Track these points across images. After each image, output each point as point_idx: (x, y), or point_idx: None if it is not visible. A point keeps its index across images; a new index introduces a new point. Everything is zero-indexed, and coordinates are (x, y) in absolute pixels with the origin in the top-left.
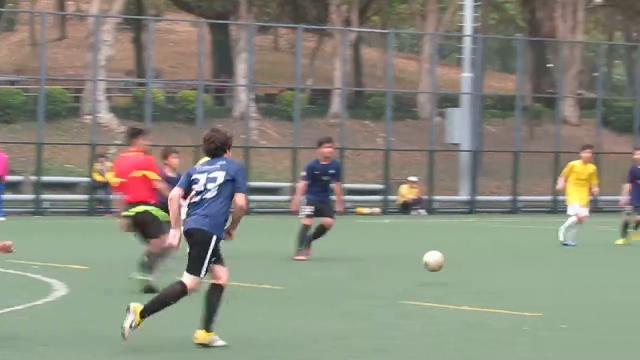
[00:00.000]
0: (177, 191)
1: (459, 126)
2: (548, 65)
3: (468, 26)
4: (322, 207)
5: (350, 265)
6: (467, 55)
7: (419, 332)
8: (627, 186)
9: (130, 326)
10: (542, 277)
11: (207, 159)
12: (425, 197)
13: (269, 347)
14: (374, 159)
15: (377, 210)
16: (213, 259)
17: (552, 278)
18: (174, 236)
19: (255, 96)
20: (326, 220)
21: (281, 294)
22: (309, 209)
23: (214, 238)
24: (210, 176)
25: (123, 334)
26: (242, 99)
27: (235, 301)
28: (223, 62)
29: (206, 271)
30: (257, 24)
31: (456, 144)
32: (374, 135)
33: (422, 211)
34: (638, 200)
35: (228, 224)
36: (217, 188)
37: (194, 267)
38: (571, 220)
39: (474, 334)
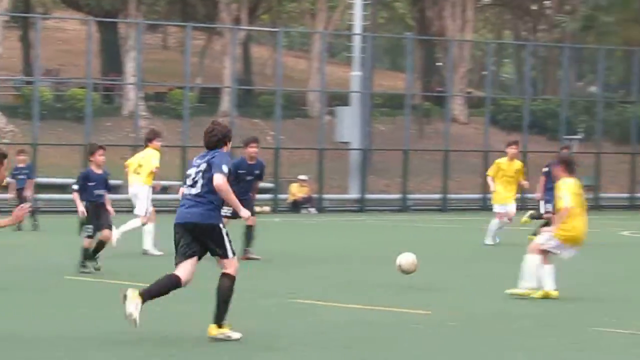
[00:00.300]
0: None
1: (348, 125)
2: (437, 64)
3: (357, 25)
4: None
5: (240, 263)
6: (356, 53)
7: (308, 329)
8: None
9: (136, 308)
10: (432, 275)
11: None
12: (315, 195)
13: (162, 345)
14: (263, 158)
15: (267, 208)
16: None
17: (442, 276)
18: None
19: (144, 95)
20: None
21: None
22: (227, 210)
23: (218, 226)
24: (200, 169)
25: (135, 321)
26: (131, 98)
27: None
28: (112, 60)
29: (234, 251)
30: (146, 22)
31: (346, 143)
32: (264, 133)
33: (312, 210)
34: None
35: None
36: (201, 178)
37: (224, 253)
38: (499, 221)
39: (362, 331)
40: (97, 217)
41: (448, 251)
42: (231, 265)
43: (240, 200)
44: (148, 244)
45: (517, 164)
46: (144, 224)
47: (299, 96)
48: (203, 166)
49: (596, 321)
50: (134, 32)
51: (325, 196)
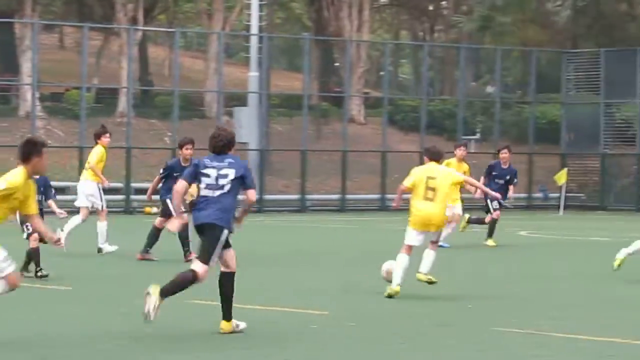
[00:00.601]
0: (182, 184)
1: (246, 125)
2: (335, 64)
3: (254, 25)
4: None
5: (138, 264)
6: (253, 54)
7: (206, 331)
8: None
9: (154, 307)
10: (329, 276)
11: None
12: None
13: (51, 346)
14: (160, 159)
15: (155, 209)
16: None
17: (339, 277)
18: (173, 223)
19: (40, 95)
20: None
21: (68, 293)
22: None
23: (225, 232)
24: (221, 173)
25: (148, 315)
26: (28, 98)
27: (22, 300)
28: (8, 60)
29: (215, 261)
30: (42, 22)
31: (244, 143)
32: (161, 134)
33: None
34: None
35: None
36: (229, 184)
37: (204, 257)
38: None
39: (261, 332)
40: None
41: (345, 251)
42: (230, 261)
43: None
44: (67, 229)
45: (465, 166)
46: (82, 220)
47: (197, 97)
48: (229, 172)
49: (496, 321)
50: (29, 32)
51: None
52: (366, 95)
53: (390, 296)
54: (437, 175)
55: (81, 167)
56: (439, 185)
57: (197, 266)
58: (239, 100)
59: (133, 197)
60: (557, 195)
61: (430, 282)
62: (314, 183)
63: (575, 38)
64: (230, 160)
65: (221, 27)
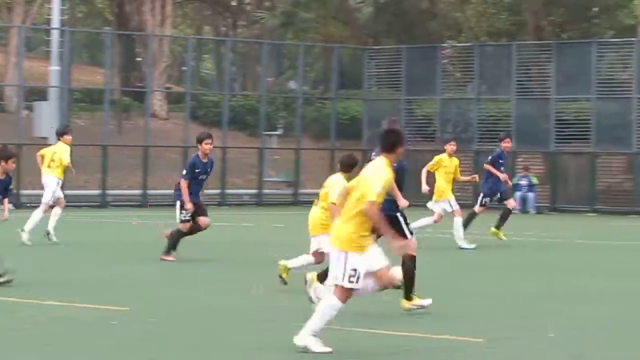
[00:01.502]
0: None
1: (47, 120)
2: (137, 59)
3: (55, 19)
4: (202, 207)
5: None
6: (54, 48)
7: (4, 327)
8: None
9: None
10: (130, 271)
11: None
12: (14, 191)
13: None
14: None
15: None
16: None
17: (141, 271)
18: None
19: None
20: (205, 220)
21: None
22: (185, 213)
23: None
24: None
25: (312, 300)
26: None
27: None
28: None
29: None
30: None
31: (45, 138)
32: None
33: (10, 205)
34: (495, 187)
35: None
36: None
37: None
38: (432, 219)
39: (61, 328)
40: None
41: (151, 247)
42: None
43: (196, 202)
44: (51, 225)
45: (456, 160)
46: (45, 211)
47: None
48: None
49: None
50: None
51: (24, 192)
52: (168, 90)
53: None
54: (326, 184)
55: None
56: (322, 194)
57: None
58: (39, 94)
59: None
60: None
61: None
62: (115, 178)
63: (377, 35)
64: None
65: (22, 20)
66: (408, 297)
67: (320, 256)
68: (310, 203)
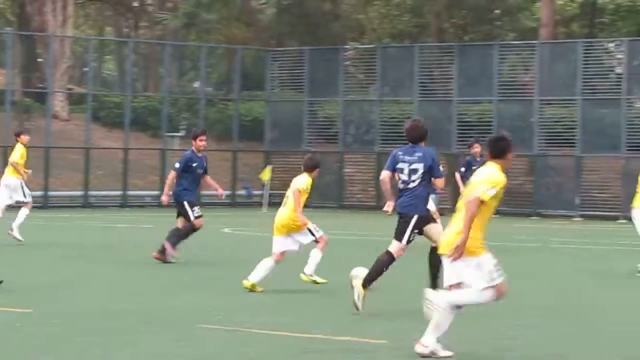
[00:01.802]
0: (386, 174)
1: None
2: (38, 59)
3: None
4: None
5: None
6: None
7: None
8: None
9: (358, 298)
10: (35, 273)
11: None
12: None
13: None
14: None
15: None
16: (416, 231)
17: (47, 274)
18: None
19: None
20: (199, 220)
21: None
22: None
23: (415, 217)
24: (411, 168)
25: (357, 307)
26: None
27: None
28: None
29: (407, 241)
30: None
31: None
32: None
33: None
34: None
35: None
36: (419, 179)
37: (399, 237)
38: None
39: None
40: None
41: (50, 249)
42: (396, 248)
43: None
44: (16, 224)
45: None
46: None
47: None
48: (419, 166)
49: (203, 318)
50: None
51: None
52: (70, 91)
53: (249, 289)
54: (292, 184)
55: None
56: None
57: (392, 246)
58: None
59: None
60: (260, 192)
61: (316, 283)
62: None
63: (280, 36)
64: (428, 154)
65: None
66: (364, 284)
67: (282, 256)
68: (214, 204)
